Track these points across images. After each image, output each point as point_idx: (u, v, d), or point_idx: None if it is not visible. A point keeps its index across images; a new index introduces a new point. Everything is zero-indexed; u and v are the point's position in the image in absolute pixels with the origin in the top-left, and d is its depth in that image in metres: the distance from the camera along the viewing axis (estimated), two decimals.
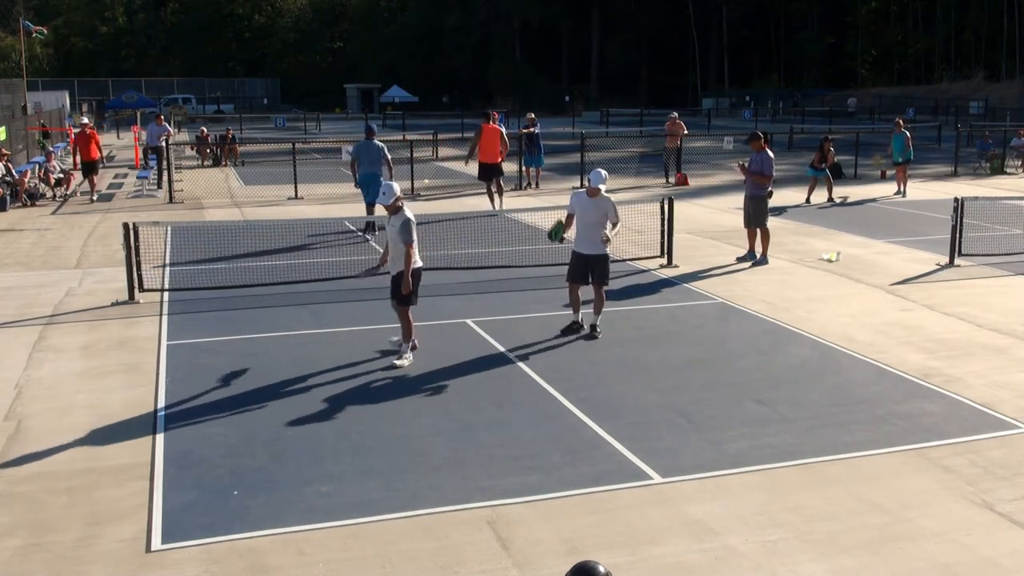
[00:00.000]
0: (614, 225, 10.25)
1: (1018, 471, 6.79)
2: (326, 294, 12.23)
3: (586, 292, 10.43)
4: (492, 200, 20.24)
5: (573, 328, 10.39)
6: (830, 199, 21.28)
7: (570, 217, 10.38)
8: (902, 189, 22.63)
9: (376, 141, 17.22)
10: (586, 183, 10.30)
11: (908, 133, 22.73)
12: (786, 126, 42.66)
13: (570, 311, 10.58)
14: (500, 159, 20.06)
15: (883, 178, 26.39)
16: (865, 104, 62.98)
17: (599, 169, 10.15)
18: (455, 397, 8.35)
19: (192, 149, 33.41)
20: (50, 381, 8.84)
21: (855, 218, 19.02)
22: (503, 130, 20.77)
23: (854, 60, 76.30)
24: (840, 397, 8.37)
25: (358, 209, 20.40)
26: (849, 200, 21.70)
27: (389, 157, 17.28)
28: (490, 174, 20.10)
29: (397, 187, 9.11)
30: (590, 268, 10.27)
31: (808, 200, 21.11)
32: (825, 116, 57.29)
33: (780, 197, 19.94)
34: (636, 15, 76.28)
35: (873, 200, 21.90)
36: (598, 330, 10.30)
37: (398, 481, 6.60)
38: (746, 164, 14.54)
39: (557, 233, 10.56)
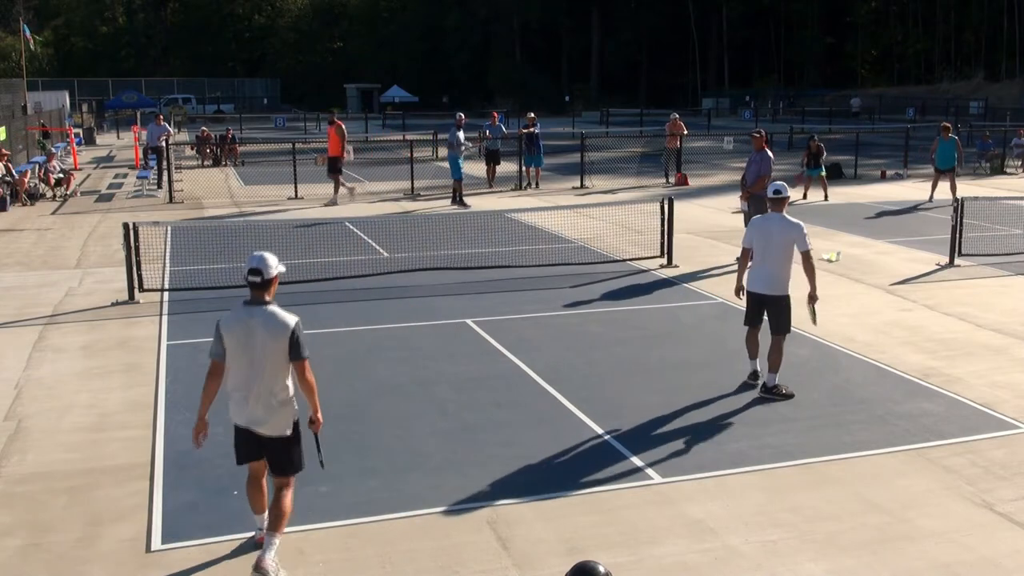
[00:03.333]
0: (808, 261, 8.26)
1: (1018, 471, 6.79)
2: (326, 294, 12.23)
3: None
4: (340, 189, 21.68)
5: (754, 377, 8.67)
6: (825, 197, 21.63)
7: (747, 253, 8.56)
8: (955, 197, 21.30)
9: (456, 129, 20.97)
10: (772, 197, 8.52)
11: (957, 138, 21.43)
12: (786, 126, 42.65)
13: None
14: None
15: (883, 178, 26.41)
16: (865, 104, 62.98)
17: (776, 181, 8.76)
18: (455, 397, 8.35)
19: (192, 149, 33.40)
20: (50, 381, 8.84)
21: (855, 218, 19.01)
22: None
23: (854, 60, 76.24)
24: (840, 397, 8.36)
25: (357, 208, 20.46)
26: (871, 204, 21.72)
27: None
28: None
29: (274, 259, 5.57)
30: (766, 309, 8.52)
31: (804, 196, 21.37)
32: (825, 116, 57.28)
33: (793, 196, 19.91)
34: (636, 15, 76.19)
35: (914, 209, 21.75)
36: (777, 390, 8.33)
37: (398, 481, 6.60)
38: (747, 195, 14.18)
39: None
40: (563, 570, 3.46)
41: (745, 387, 8.61)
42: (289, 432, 5.49)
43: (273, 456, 5.51)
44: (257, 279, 5.42)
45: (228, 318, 5.44)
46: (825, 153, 22.53)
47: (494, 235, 16.45)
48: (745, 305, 8.75)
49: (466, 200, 20.97)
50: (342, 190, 21.63)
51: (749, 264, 8.65)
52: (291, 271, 13.32)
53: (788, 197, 8.59)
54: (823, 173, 21.92)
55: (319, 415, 5.52)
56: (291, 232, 16.79)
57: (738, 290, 8.71)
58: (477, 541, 5.78)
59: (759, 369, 8.69)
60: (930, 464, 6.92)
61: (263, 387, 5.36)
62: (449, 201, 21.08)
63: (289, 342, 5.32)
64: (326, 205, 20.98)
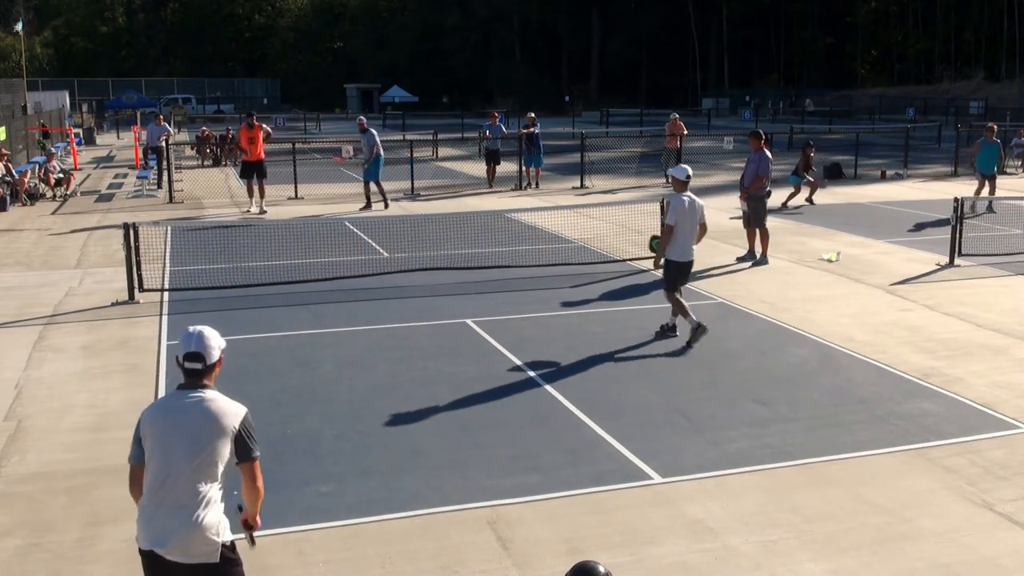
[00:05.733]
0: (704, 230, 10.16)
1: (1018, 471, 6.79)
2: (326, 294, 12.23)
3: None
4: (254, 197, 20.16)
5: (702, 329, 9.92)
6: (809, 200, 20.99)
7: (670, 229, 9.91)
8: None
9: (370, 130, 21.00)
10: (673, 178, 10.20)
11: (1000, 142, 20.74)
12: (786, 126, 42.67)
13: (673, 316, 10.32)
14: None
15: (883, 178, 26.41)
16: (864, 104, 63.02)
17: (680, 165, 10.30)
18: (455, 397, 8.35)
19: (192, 149, 33.40)
20: (50, 381, 8.84)
21: (855, 218, 19.01)
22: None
23: (854, 60, 76.30)
24: (840, 397, 8.36)
25: (356, 208, 20.45)
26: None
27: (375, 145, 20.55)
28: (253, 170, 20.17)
29: (216, 336, 4.30)
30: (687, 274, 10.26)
31: (786, 204, 20.15)
32: (825, 116, 57.28)
33: (781, 197, 19.93)
34: (636, 15, 76.25)
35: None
36: (677, 332, 10.18)
37: (398, 481, 6.60)
38: (745, 195, 14.40)
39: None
40: (563, 570, 3.45)
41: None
42: (217, 559, 3.98)
43: None
44: (197, 366, 4.06)
45: (153, 407, 4.20)
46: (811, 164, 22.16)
47: (494, 235, 16.45)
48: (673, 275, 10.00)
49: (373, 204, 20.43)
50: (249, 203, 20.28)
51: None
52: (291, 271, 13.38)
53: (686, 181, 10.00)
54: (810, 180, 21.78)
55: (258, 520, 4.38)
56: (291, 232, 16.78)
57: (659, 263, 10.18)
58: (477, 541, 5.78)
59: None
60: (930, 464, 6.92)
61: (184, 487, 3.93)
62: (383, 206, 20.37)
63: (235, 436, 4.02)
64: (259, 213, 19.63)
